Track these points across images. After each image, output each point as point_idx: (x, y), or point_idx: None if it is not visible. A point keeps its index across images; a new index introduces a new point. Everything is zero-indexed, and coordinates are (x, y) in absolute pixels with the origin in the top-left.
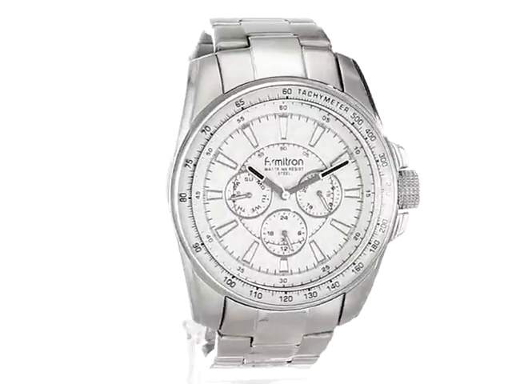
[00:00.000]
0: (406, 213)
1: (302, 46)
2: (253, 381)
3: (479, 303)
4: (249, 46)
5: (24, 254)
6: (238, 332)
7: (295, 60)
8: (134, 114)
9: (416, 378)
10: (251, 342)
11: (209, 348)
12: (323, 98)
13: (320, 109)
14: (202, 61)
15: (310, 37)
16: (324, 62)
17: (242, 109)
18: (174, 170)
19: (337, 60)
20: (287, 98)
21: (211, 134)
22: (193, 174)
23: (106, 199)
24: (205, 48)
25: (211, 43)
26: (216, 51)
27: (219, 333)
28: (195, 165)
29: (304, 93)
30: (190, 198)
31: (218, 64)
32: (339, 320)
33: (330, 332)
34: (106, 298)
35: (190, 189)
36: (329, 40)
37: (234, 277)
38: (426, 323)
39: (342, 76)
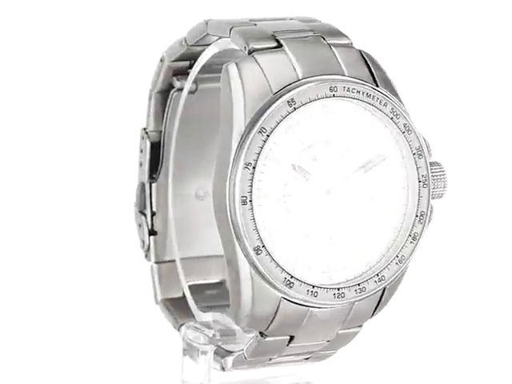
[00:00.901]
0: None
1: (329, 44)
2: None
3: (483, 301)
4: (280, 46)
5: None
6: (284, 332)
7: (330, 58)
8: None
9: (416, 379)
10: (289, 342)
11: (222, 353)
12: (365, 94)
13: (357, 104)
14: (241, 63)
15: (331, 35)
16: (354, 59)
17: (294, 109)
18: (235, 173)
19: (363, 56)
20: (333, 95)
21: (267, 136)
22: (252, 177)
23: None
24: (194, 50)
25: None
26: (249, 53)
27: (263, 334)
28: (254, 167)
29: (348, 90)
30: (250, 200)
31: (259, 65)
32: (373, 313)
33: (361, 326)
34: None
35: (251, 192)
36: (348, 37)
37: (292, 277)
38: (426, 324)
39: (373, 72)
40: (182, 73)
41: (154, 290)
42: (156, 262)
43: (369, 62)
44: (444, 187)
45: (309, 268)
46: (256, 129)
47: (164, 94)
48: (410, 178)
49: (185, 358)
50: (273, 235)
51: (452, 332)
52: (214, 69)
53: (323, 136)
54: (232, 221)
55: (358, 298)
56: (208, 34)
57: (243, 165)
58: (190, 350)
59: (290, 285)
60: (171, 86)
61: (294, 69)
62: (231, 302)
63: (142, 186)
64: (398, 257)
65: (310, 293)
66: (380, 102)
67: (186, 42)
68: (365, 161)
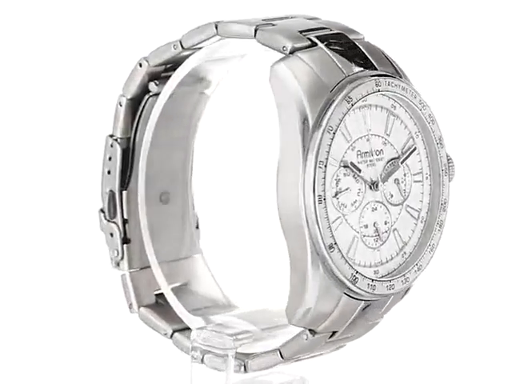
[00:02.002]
0: None
1: (352, 40)
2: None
3: (483, 301)
4: (315, 44)
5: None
6: (332, 328)
7: (361, 53)
8: None
9: (416, 379)
10: (330, 337)
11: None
12: (401, 87)
13: (389, 97)
14: (289, 62)
15: (348, 31)
16: (378, 53)
17: (352, 105)
18: (309, 173)
19: (379, 50)
20: (378, 90)
21: (334, 134)
22: (325, 175)
23: None
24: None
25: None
26: (290, 52)
27: (313, 331)
28: (325, 166)
29: (389, 84)
30: (324, 199)
31: (307, 63)
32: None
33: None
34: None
35: (324, 190)
36: (360, 32)
37: (357, 272)
38: (426, 324)
39: (394, 64)
40: (158, 77)
41: (128, 299)
42: (129, 271)
43: (387, 55)
44: (453, 175)
45: (364, 263)
46: (323, 127)
47: (136, 100)
48: (432, 168)
49: (194, 365)
50: (334, 232)
51: (450, 332)
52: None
53: (364, 131)
54: (307, 220)
55: (403, 288)
56: (217, 36)
57: (317, 164)
58: (202, 354)
59: (355, 280)
60: (146, 91)
61: (337, 65)
62: (290, 301)
63: (112, 194)
64: (430, 245)
65: (369, 287)
66: (411, 95)
67: (181, 45)
68: (399, 153)
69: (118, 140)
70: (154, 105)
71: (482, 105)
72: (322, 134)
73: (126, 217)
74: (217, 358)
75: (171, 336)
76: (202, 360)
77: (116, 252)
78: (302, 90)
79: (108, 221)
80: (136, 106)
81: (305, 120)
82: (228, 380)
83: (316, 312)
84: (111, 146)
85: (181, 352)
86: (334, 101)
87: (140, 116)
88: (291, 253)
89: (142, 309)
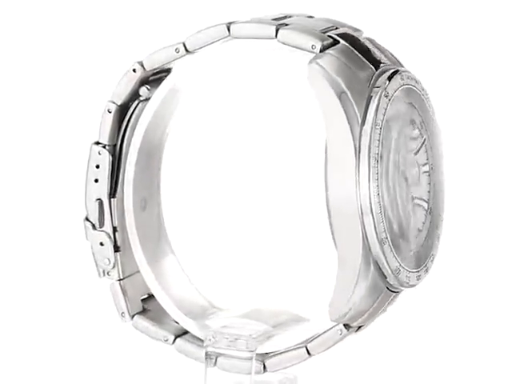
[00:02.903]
0: None
1: (357, 37)
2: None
3: (482, 301)
4: (338, 42)
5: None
6: (367, 322)
7: (374, 49)
8: None
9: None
10: (357, 330)
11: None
12: (413, 80)
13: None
14: (325, 61)
15: (352, 29)
16: (382, 48)
17: (389, 100)
18: (363, 171)
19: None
20: (403, 84)
21: (381, 129)
22: (377, 171)
23: None
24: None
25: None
26: (320, 50)
27: (348, 326)
28: (377, 161)
29: (408, 78)
30: (378, 194)
31: (342, 61)
32: None
33: None
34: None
35: (378, 185)
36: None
37: (400, 265)
38: (425, 324)
39: (397, 58)
40: (148, 81)
41: (120, 308)
42: (120, 279)
43: (386, 48)
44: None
45: (398, 255)
46: (372, 123)
47: (125, 106)
48: (434, 158)
49: (209, 369)
50: (386, 226)
51: (449, 331)
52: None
53: (399, 125)
54: (362, 216)
55: (425, 278)
56: (229, 37)
57: (373, 161)
58: (215, 357)
59: (398, 273)
60: (136, 97)
61: (365, 61)
62: (336, 298)
63: (100, 202)
64: (438, 236)
65: (407, 278)
66: (420, 86)
67: (185, 48)
68: (421, 144)
69: (106, 147)
70: (143, 110)
71: (481, 104)
72: (371, 129)
73: (115, 225)
74: (235, 361)
75: (173, 341)
76: (215, 363)
77: (107, 261)
78: (345, 87)
79: (96, 230)
80: (124, 111)
81: (352, 116)
82: (252, 382)
83: (360, 308)
84: (99, 153)
85: (185, 357)
86: (373, 96)
87: (128, 122)
88: (341, 251)
89: (135, 317)
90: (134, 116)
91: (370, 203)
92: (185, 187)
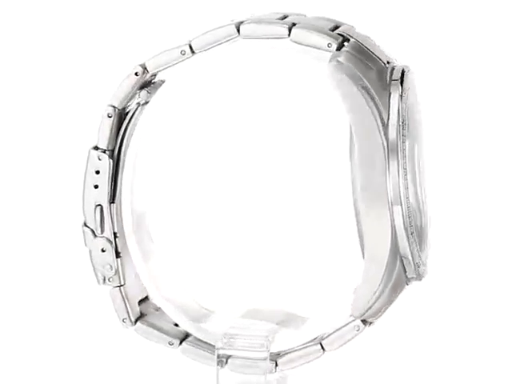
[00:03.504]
0: None
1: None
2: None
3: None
4: (348, 39)
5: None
6: (381, 316)
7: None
8: None
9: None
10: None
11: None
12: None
13: None
14: (346, 58)
15: (350, 26)
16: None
17: (406, 94)
18: (394, 165)
19: None
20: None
21: (403, 123)
22: (406, 166)
23: None
24: None
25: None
26: (337, 49)
27: (365, 322)
28: (405, 156)
29: (409, 71)
30: (407, 188)
31: (359, 58)
32: None
33: None
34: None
35: (406, 179)
36: None
37: (420, 258)
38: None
39: None
40: (147, 85)
41: (122, 313)
42: (121, 285)
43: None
44: None
45: (420, 249)
46: (397, 118)
47: (124, 110)
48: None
49: (221, 370)
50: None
51: (447, 332)
52: None
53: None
54: (393, 209)
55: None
56: (238, 37)
57: (401, 155)
58: (225, 358)
59: (419, 266)
60: (134, 100)
61: (374, 56)
62: (361, 294)
63: (101, 208)
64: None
65: (423, 272)
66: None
67: (191, 49)
68: (416, 137)
69: (106, 152)
70: (141, 113)
71: (480, 103)
72: (397, 123)
73: (115, 230)
74: (248, 361)
75: (179, 345)
76: (225, 364)
77: (109, 267)
78: (366, 82)
79: (96, 236)
80: (123, 115)
81: (376, 111)
82: (266, 381)
83: (382, 303)
84: (99, 158)
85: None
86: (392, 90)
87: (127, 126)
88: (369, 247)
89: (138, 323)
90: (132, 120)
91: (400, 196)
92: (188, 188)
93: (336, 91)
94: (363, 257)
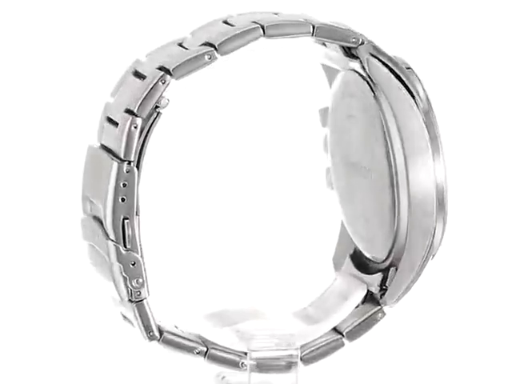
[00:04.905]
0: None
1: None
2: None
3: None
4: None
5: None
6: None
7: None
8: None
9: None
10: None
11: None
12: None
13: None
14: (376, 53)
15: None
16: None
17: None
18: (437, 158)
19: None
20: None
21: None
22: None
23: None
24: None
25: None
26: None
27: (383, 313)
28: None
29: None
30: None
31: (379, 51)
32: None
33: None
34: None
35: (445, 173)
36: None
37: None
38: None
39: None
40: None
41: (148, 327)
42: (147, 297)
43: None
44: None
45: None
46: (430, 107)
47: (146, 119)
48: None
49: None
50: None
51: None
52: None
53: None
54: (438, 201)
55: None
56: (262, 38)
57: (441, 145)
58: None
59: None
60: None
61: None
62: (397, 286)
63: (128, 221)
64: None
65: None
66: None
67: (217, 52)
68: None
69: (132, 164)
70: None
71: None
72: (431, 112)
73: (141, 242)
74: (277, 361)
75: (206, 353)
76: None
77: (141, 280)
78: (400, 74)
79: (128, 250)
80: (144, 125)
81: (417, 102)
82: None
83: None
84: (127, 171)
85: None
86: (413, 79)
87: (146, 135)
88: (412, 239)
89: (165, 334)
90: (152, 128)
91: (443, 191)
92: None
93: (378, 85)
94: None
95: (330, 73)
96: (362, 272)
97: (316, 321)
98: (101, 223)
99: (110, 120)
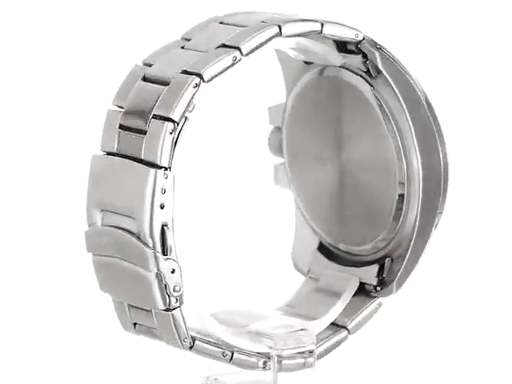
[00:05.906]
0: None
1: None
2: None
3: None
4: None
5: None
6: None
7: None
8: None
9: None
10: None
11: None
12: None
13: None
14: (382, 59)
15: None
16: None
17: None
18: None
19: None
20: None
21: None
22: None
23: None
24: None
25: None
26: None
27: (380, 303)
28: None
29: None
30: None
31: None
32: None
33: None
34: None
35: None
36: None
37: None
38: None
39: None
40: None
41: (182, 335)
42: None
43: None
44: None
45: None
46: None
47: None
48: None
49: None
50: None
51: (446, 333)
52: None
53: None
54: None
55: None
56: (281, 36)
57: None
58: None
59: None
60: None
61: None
62: (404, 275)
63: (167, 228)
64: None
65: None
66: None
67: (241, 54)
68: None
69: (168, 170)
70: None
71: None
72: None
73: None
74: (298, 358)
75: (231, 357)
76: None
77: (179, 287)
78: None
79: (168, 258)
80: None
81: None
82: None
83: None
84: (165, 177)
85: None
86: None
87: (176, 140)
88: (420, 229)
89: (197, 341)
90: (181, 133)
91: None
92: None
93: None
94: None
95: (295, 70)
96: (343, 265)
97: (313, 317)
98: (129, 233)
99: (126, 128)
